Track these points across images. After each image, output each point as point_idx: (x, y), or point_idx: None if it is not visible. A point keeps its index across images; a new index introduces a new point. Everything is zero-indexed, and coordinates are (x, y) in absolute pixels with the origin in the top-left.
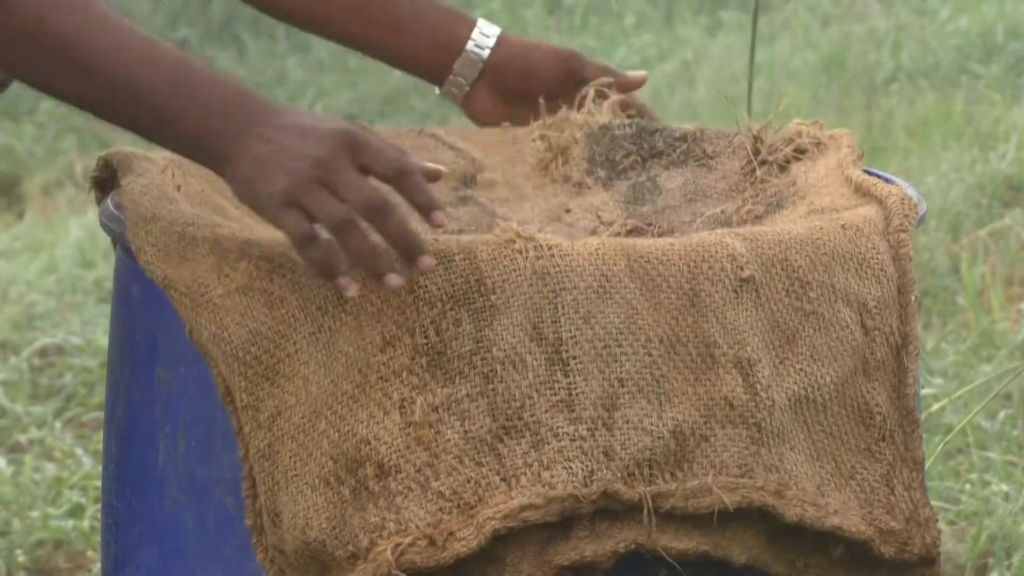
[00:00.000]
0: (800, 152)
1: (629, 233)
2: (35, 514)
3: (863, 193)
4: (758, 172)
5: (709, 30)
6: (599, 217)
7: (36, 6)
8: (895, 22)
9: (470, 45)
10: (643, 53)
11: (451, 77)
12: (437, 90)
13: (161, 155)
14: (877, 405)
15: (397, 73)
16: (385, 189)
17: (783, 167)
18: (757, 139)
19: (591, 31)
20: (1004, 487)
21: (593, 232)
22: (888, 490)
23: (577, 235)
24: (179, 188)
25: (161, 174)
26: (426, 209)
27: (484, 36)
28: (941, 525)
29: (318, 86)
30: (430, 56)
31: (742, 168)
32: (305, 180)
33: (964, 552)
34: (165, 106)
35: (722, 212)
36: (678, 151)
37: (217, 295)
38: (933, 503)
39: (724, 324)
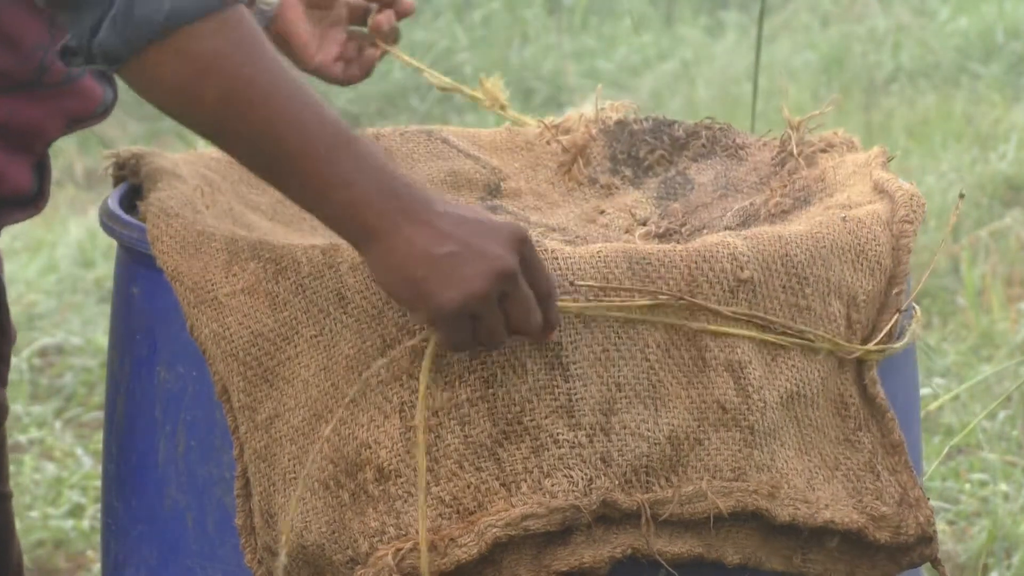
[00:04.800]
0: (830, 146)
1: (661, 237)
2: (35, 514)
3: (879, 191)
4: (788, 164)
5: (709, 30)
6: (633, 215)
7: (221, 55)
8: (895, 22)
9: None
10: (643, 53)
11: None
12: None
13: (191, 172)
14: (851, 396)
15: (397, 73)
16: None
17: (810, 159)
18: (794, 128)
19: (591, 31)
20: (1004, 487)
21: (628, 231)
22: (874, 476)
23: (613, 235)
24: (207, 208)
25: (191, 192)
26: (549, 331)
27: None
28: (941, 525)
29: (318, 86)
30: None
31: (772, 159)
32: (489, 296)
33: (964, 552)
34: (322, 171)
35: (751, 204)
36: (703, 140)
37: (223, 293)
38: (933, 503)
39: (715, 326)
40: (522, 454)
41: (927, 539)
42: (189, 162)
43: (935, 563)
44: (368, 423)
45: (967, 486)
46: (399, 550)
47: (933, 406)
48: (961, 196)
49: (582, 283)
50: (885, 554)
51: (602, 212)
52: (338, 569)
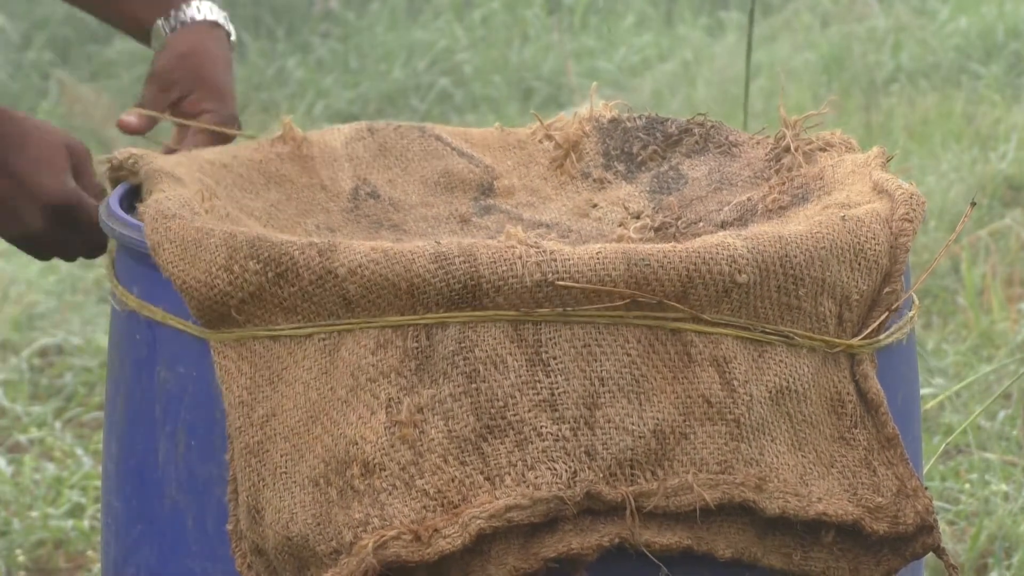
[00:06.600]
0: (828, 145)
1: (657, 230)
2: (35, 514)
3: (879, 190)
4: (784, 160)
5: (709, 30)
6: (626, 208)
7: None
8: (895, 22)
9: (160, 23)
10: (643, 53)
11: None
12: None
13: (191, 176)
14: (848, 394)
15: (397, 73)
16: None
17: (808, 156)
18: (790, 127)
19: (591, 31)
20: (1004, 487)
21: (622, 224)
22: (870, 472)
23: (606, 229)
24: (206, 212)
25: (191, 196)
26: None
27: (172, 20)
28: (941, 525)
29: (318, 86)
30: (132, 22)
31: (766, 156)
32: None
33: (964, 552)
34: None
35: (748, 199)
36: (696, 137)
37: (233, 304)
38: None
39: (702, 322)
40: (506, 448)
41: (928, 528)
42: (183, 164)
43: (938, 552)
44: (356, 420)
45: (967, 486)
46: (381, 537)
47: (929, 405)
48: (972, 204)
49: (562, 283)
50: (888, 548)
51: (595, 205)
52: (321, 560)
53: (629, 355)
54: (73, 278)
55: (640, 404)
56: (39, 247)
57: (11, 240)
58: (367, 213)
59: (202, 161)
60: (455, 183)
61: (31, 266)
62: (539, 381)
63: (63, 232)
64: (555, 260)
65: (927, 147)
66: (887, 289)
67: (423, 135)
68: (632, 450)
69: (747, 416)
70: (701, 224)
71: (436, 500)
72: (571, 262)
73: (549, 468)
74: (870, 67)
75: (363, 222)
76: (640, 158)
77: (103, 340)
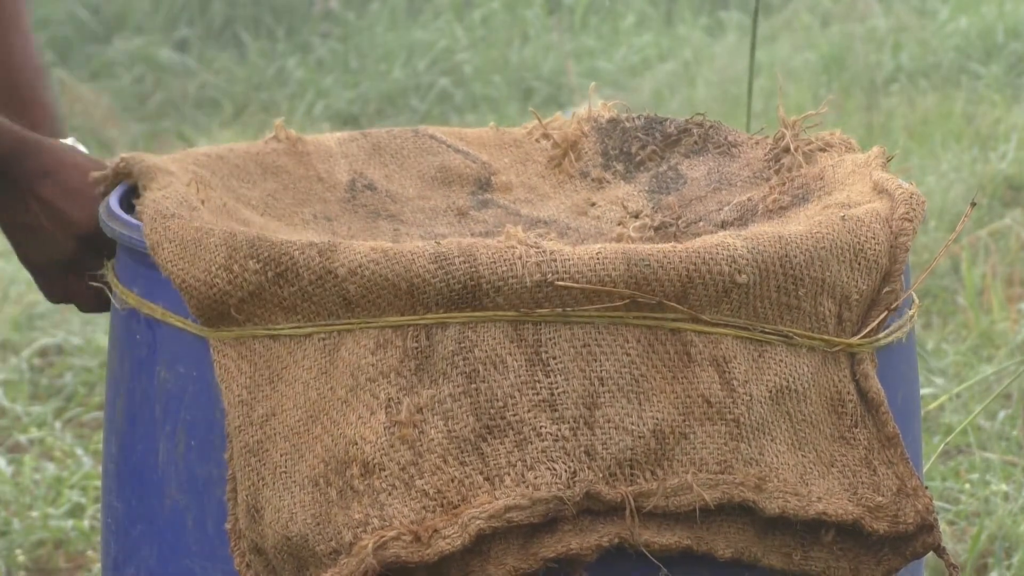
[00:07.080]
0: (828, 145)
1: (656, 229)
2: (35, 514)
3: (879, 190)
4: (784, 161)
5: (709, 30)
6: (625, 207)
7: None
8: (895, 22)
9: None
10: (643, 53)
11: None
12: None
13: (184, 169)
14: (848, 393)
15: (397, 73)
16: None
17: (808, 156)
18: (788, 127)
19: (591, 31)
20: (1004, 487)
21: (620, 223)
22: (870, 471)
23: (605, 228)
24: (203, 202)
25: (185, 188)
26: None
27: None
28: (941, 525)
29: (318, 86)
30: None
31: (765, 156)
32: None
33: (964, 552)
34: None
35: (749, 200)
36: (695, 137)
37: (232, 303)
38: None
39: (701, 322)
40: (505, 448)
41: (928, 527)
42: (177, 160)
43: (938, 551)
44: (356, 420)
45: (967, 486)
46: (381, 538)
47: (932, 406)
48: (972, 204)
49: (562, 283)
50: (888, 547)
51: (593, 204)
52: (321, 560)
53: (629, 355)
54: None
55: (640, 404)
56: (67, 272)
57: (35, 267)
58: (364, 203)
59: (196, 155)
60: (452, 178)
61: None
62: (539, 381)
63: (94, 259)
64: (555, 260)
65: (927, 147)
66: (887, 288)
67: (416, 135)
68: (632, 450)
69: (747, 416)
70: (701, 224)
71: (436, 500)
72: (571, 262)
73: (549, 468)
74: (870, 67)
75: (360, 212)
76: (639, 158)
77: (103, 340)
